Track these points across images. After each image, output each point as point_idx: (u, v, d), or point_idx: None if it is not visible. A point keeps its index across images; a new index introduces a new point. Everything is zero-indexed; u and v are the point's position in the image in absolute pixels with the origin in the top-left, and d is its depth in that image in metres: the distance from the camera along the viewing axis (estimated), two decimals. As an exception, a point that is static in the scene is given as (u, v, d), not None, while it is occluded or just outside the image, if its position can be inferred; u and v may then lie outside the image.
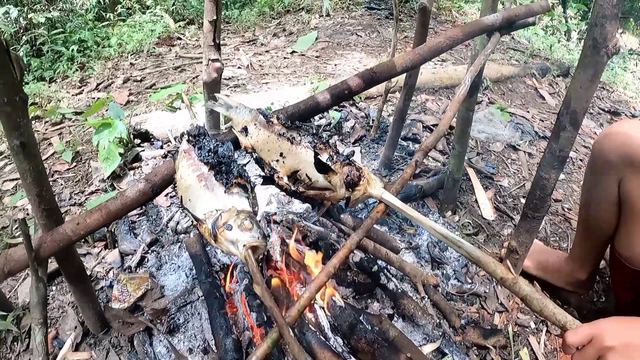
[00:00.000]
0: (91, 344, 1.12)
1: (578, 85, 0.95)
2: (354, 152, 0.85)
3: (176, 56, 3.06)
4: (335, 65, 2.60)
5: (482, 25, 1.18)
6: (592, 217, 1.14)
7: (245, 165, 1.48)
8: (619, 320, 0.67)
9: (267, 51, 2.90)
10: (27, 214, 1.59)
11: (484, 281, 1.30)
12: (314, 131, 1.63)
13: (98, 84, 2.80)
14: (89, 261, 1.35)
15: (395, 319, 1.08)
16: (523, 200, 1.69)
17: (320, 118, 1.85)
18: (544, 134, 2.25)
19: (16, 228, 1.54)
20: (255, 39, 3.26)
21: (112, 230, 1.39)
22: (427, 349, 1.05)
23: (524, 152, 2.03)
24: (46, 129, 2.29)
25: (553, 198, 1.73)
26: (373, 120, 1.92)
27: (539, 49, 3.92)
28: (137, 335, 1.08)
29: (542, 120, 2.48)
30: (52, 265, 1.27)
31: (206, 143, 0.78)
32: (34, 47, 3.33)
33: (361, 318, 0.99)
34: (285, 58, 2.76)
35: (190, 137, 0.81)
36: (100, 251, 1.37)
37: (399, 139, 1.69)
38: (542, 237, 1.53)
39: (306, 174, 0.73)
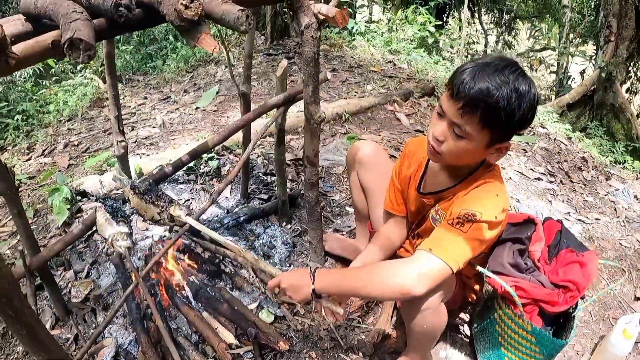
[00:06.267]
0: (61, 325, 2.10)
1: (306, 139, 1.97)
2: (172, 200, 1.79)
3: (105, 118, 4.05)
4: (228, 117, 3.66)
5: (268, 105, 2.03)
6: (355, 203, 2.10)
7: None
8: (292, 272, 1.53)
9: (177, 109, 3.94)
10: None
11: (298, 266, 2.32)
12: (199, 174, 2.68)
13: (43, 150, 3.75)
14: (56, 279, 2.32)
15: (233, 290, 2.10)
16: (348, 209, 2.75)
17: (204, 167, 2.89)
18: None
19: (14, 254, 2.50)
20: (169, 96, 4.30)
21: (68, 259, 2.38)
22: (252, 306, 2.06)
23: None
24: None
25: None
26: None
27: (418, 71, 5.05)
28: (87, 314, 2.07)
29: (390, 141, 3.57)
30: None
31: (107, 202, 1.79)
32: (-17, 120, 4.24)
33: (208, 289, 2.01)
34: (190, 114, 3.81)
35: (100, 200, 1.82)
36: (61, 272, 2.35)
37: (263, 175, 2.76)
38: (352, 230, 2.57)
39: (152, 216, 1.74)
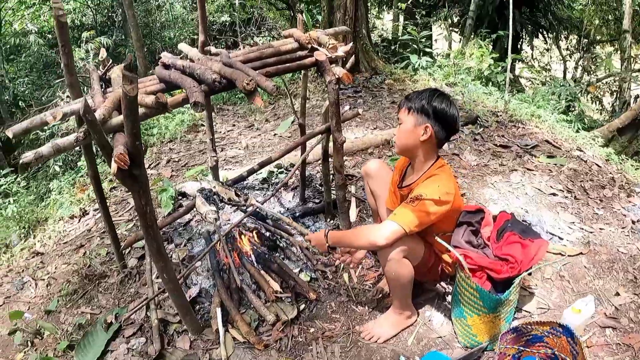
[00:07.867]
0: (167, 279, 3.21)
1: (334, 155, 2.97)
2: (247, 194, 2.84)
3: (200, 141, 5.29)
4: (296, 141, 4.74)
5: (315, 132, 3.15)
6: (369, 203, 3.03)
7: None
8: (316, 234, 2.61)
9: (259, 135, 5.09)
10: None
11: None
12: (269, 184, 3.75)
13: (149, 164, 5.02)
14: (162, 252, 3.47)
15: (284, 259, 3.11)
16: (380, 210, 3.68)
17: (275, 178, 3.96)
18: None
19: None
20: (252, 124, 5.48)
21: (171, 235, 3.51)
22: (296, 270, 3.04)
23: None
24: (123, 194, 4.51)
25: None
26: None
27: (471, 101, 5.84)
28: (183, 269, 3.16)
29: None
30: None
31: (204, 192, 2.88)
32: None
33: (266, 256, 3.03)
34: (269, 139, 4.93)
35: (199, 191, 2.91)
36: (166, 244, 3.48)
37: (318, 185, 3.79)
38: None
39: (230, 197, 2.80)
